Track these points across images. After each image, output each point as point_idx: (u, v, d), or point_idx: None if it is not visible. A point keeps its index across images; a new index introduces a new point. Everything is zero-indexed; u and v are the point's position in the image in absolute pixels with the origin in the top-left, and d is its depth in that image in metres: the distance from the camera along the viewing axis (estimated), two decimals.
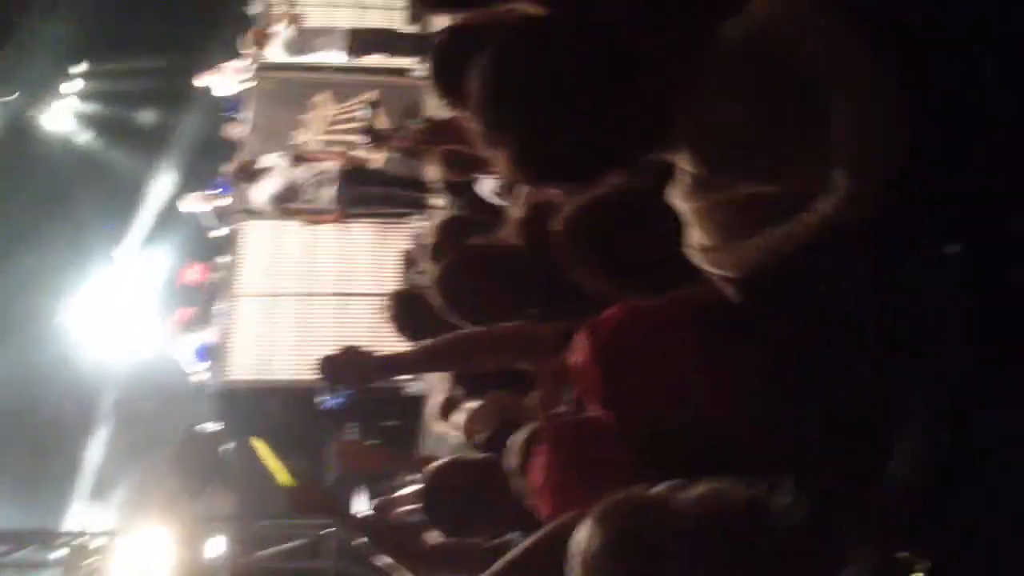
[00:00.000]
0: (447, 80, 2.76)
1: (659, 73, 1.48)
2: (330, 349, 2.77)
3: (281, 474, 4.33)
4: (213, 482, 7.97)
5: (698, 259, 1.63)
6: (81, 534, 7.66)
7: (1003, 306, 1.47)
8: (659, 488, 1.67)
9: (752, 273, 1.55)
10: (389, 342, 6.56)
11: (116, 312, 9.12)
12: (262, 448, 5.00)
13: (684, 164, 1.57)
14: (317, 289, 8.11)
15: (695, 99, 1.49)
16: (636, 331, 1.92)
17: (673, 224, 1.73)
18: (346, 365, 2.80)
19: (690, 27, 1.52)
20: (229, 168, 8.12)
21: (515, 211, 3.14)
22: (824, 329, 1.59)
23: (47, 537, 7.81)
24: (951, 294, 1.47)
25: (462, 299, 2.90)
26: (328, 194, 7.49)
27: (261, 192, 7.60)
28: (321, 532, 6.85)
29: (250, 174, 7.69)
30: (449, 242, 3.70)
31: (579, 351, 1.92)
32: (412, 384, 6.72)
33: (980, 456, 1.46)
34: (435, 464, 3.18)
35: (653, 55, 1.48)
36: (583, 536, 1.60)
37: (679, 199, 1.62)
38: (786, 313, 1.63)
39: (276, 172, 7.57)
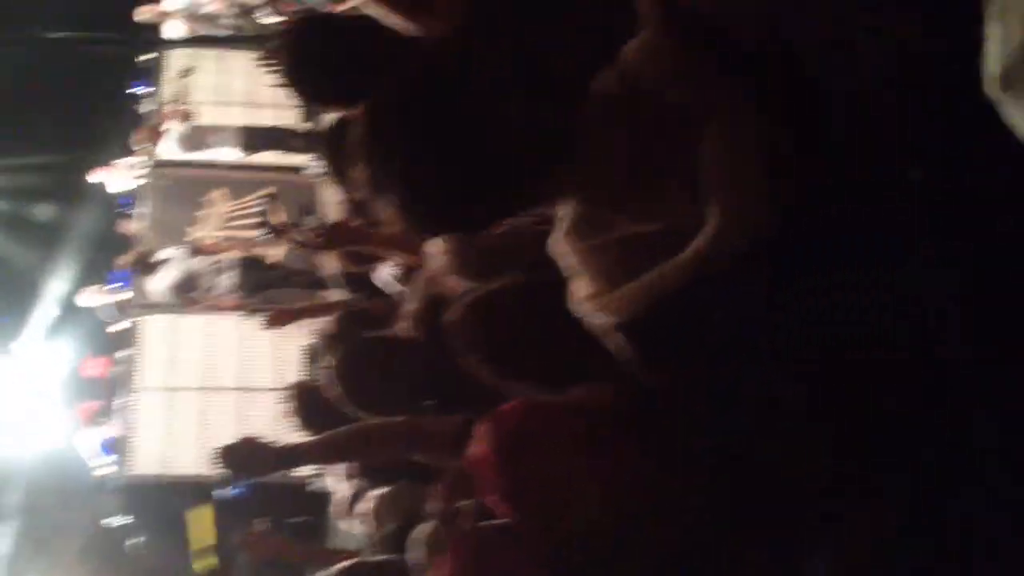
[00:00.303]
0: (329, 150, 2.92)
1: (535, 124, 1.46)
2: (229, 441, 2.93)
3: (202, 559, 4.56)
4: (120, 572, 8.10)
5: (583, 309, 1.60)
6: None
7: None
8: None
9: (635, 316, 1.50)
10: (291, 436, 6.86)
11: (15, 406, 9.17)
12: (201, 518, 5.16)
13: (565, 209, 1.57)
14: (218, 382, 8.33)
15: (572, 146, 1.49)
16: (536, 425, 1.87)
17: (570, 319, 1.70)
18: (244, 455, 2.91)
19: (567, 82, 1.51)
20: (126, 260, 8.26)
21: (411, 303, 3.17)
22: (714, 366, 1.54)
23: None
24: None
25: (359, 389, 2.94)
26: (227, 282, 7.72)
27: (159, 283, 7.75)
28: None
29: (147, 266, 7.85)
30: (347, 334, 3.74)
31: (479, 442, 1.88)
32: (316, 479, 6.92)
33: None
34: (339, 567, 3.27)
35: (529, 107, 1.46)
36: None
37: (560, 245, 1.59)
38: (672, 356, 1.58)
39: (173, 263, 7.78)
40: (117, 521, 8.27)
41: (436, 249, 2.66)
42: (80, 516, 8.48)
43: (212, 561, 3.94)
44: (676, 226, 1.44)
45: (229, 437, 7.55)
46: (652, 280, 1.45)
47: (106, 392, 8.69)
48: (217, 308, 7.92)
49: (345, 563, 3.32)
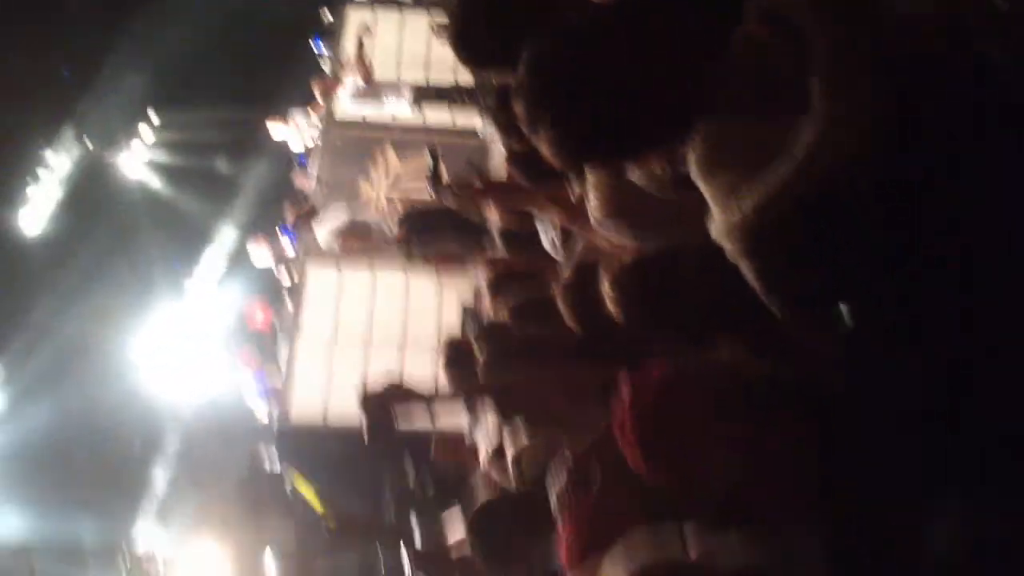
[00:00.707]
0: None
1: (687, 63, 1.55)
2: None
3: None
4: (275, 518, 8.26)
5: (714, 231, 1.64)
6: (141, 547, 8.02)
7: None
8: (697, 553, 1.76)
9: (757, 233, 1.53)
10: (444, 388, 6.82)
11: (184, 350, 9.49)
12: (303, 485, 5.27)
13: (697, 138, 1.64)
14: (378, 334, 8.43)
15: (709, 86, 1.55)
16: (675, 393, 1.93)
17: (715, 279, 1.74)
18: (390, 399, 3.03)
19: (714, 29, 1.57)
20: (295, 211, 8.47)
21: (566, 268, 3.31)
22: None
23: (114, 553, 8.18)
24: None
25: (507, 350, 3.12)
26: (391, 230, 7.83)
27: (325, 230, 7.96)
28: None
29: (315, 214, 8.06)
30: (502, 291, 3.91)
31: (620, 406, 1.95)
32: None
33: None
34: (484, 501, 3.38)
35: (683, 46, 1.55)
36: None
37: (697, 176, 1.65)
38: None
39: (340, 212, 7.94)
40: (273, 464, 8.44)
41: (593, 202, 2.76)
42: (238, 460, 8.69)
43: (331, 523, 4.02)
44: (784, 141, 1.46)
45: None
46: (769, 179, 1.48)
47: (270, 341, 8.90)
48: (379, 255, 8.04)
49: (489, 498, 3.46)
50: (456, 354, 3.83)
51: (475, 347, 3.43)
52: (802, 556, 1.75)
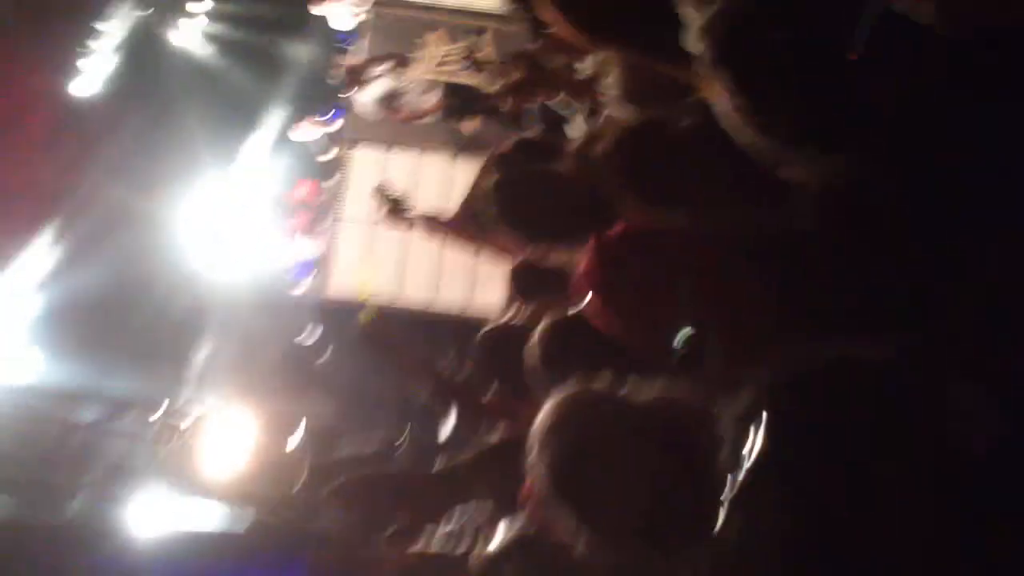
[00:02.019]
0: None
1: None
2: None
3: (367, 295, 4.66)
4: (307, 386, 8.55)
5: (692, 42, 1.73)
6: (176, 409, 8.38)
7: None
8: (616, 384, 1.78)
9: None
10: (484, 267, 6.95)
11: (229, 222, 9.68)
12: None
13: None
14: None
15: None
16: (641, 245, 2.02)
17: (706, 153, 1.86)
18: None
19: None
20: (340, 76, 8.52)
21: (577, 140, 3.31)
22: None
23: (146, 408, 8.55)
24: None
25: (511, 210, 3.09)
26: (431, 99, 7.96)
27: (367, 96, 8.08)
28: (398, 443, 7.41)
29: (359, 81, 8.14)
30: (515, 159, 3.84)
31: (584, 258, 2.04)
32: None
33: None
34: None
35: None
36: (540, 418, 1.73)
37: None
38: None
39: (383, 80, 8.05)
40: (311, 338, 8.68)
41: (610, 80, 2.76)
42: (276, 331, 8.94)
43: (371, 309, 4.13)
44: None
45: (426, 270, 7.74)
46: None
47: (312, 216, 9.07)
48: (419, 117, 8.15)
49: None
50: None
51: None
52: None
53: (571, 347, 2.63)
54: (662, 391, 1.72)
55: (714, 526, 1.38)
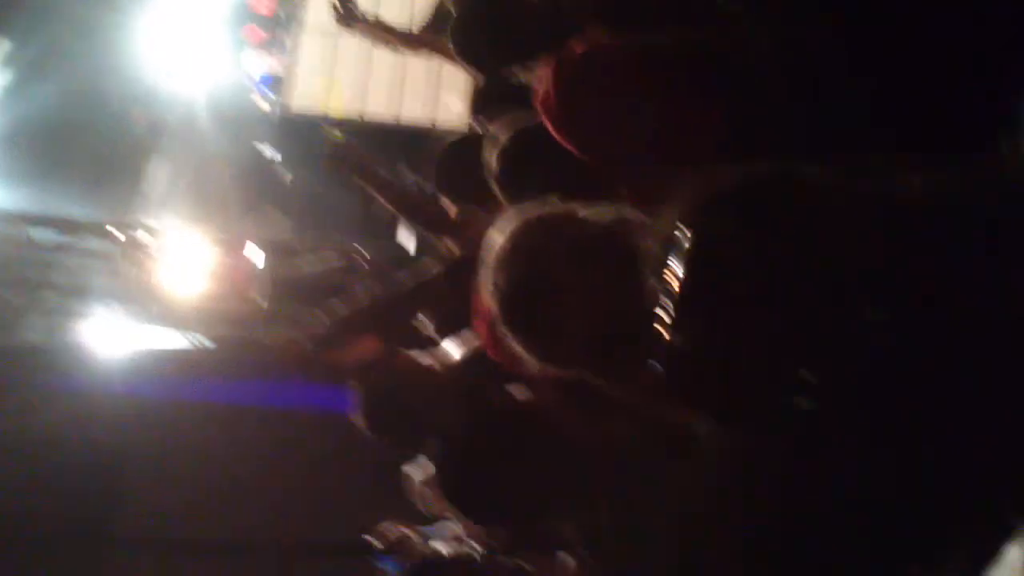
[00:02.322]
0: None
1: None
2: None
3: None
4: (268, 203, 8.43)
5: None
6: (135, 228, 8.25)
7: None
8: (576, 205, 1.73)
9: None
10: (448, 87, 6.79)
11: (184, 34, 9.34)
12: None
13: None
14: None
15: None
16: (601, 63, 1.96)
17: None
18: None
19: None
20: None
21: None
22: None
23: (104, 228, 8.42)
24: None
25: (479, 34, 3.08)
26: None
27: None
28: (360, 255, 7.34)
29: None
30: None
31: (542, 81, 1.99)
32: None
33: None
34: None
35: None
36: (494, 240, 1.69)
37: None
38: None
39: None
40: (270, 151, 8.51)
41: None
42: (237, 147, 8.75)
43: (336, 134, 4.03)
44: None
45: (389, 84, 7.50)
46: None
47: (273, 26, 8.76)
48: None
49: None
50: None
51: None
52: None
53: (531, 163, 2.56)
54: (617, 213, 1.67)
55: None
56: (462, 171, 3.29)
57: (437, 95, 7.64)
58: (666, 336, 1.08)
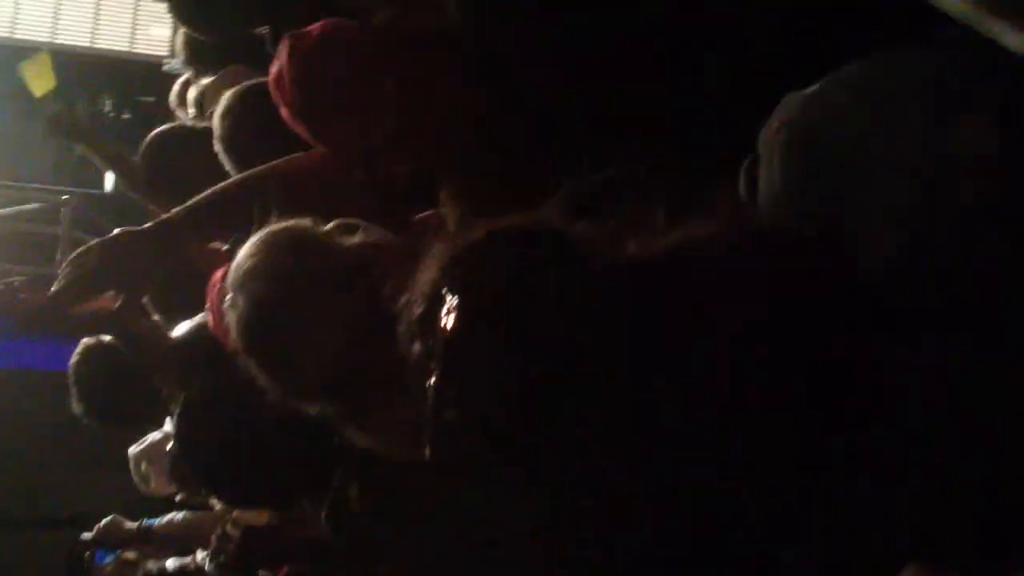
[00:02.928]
0: None
1: None
2: None
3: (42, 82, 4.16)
4: None
5: None
6: None
7: None
8: (328, 227, 1.65)
9: None
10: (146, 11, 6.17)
11: None
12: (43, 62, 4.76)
13: None
14: None
15: None
16: (337, 38, 1.84)
17: None
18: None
19: None
20: None
21: None
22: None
23: None
24: None
25: None
26: None
27: None
28: (62, 198, 6.78)
29: None
30: None
31: (277, 57, 1.85)
32: (173, 61, 6.50)
33: None
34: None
35: None
36: (243, 253, 1.60)
37: None
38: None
39: None
40: None
41: None
42: None
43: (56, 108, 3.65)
44: None
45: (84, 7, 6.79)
46: None
47: None
48: None
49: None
50: None
51: None
52: None
53: (260, 128, 2.32)
54: (364, 235, 1.61)
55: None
56: (169, 166, 3.02)
57: (135, 21, 7.01)
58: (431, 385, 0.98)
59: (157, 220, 2.10)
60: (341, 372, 1.53)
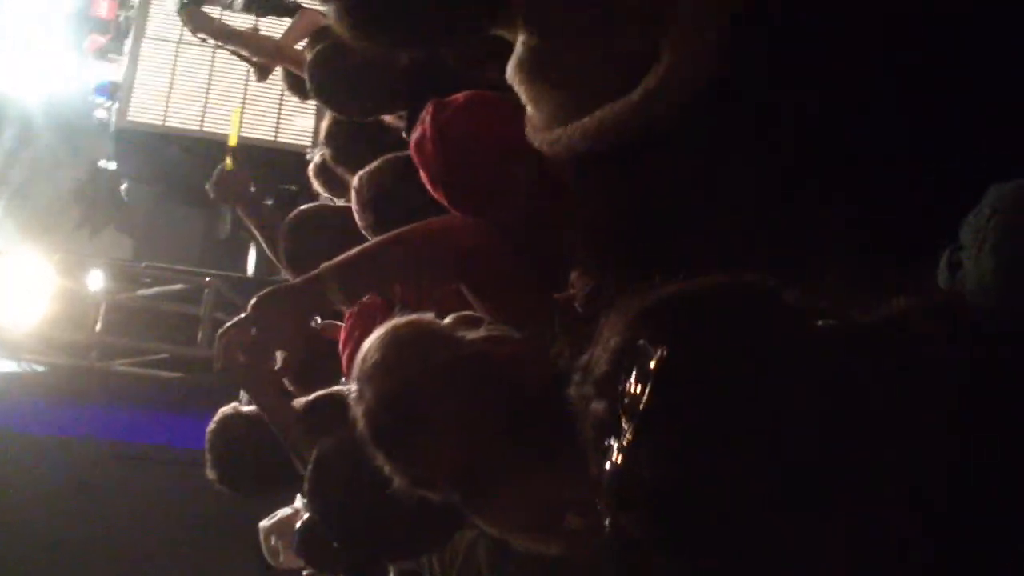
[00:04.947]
0: None
1: None
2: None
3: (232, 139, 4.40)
4: (108, 221, 7.97)
5: (536, 140, 1.53)
6: None
7: None
8: (448, 320, 1.68)
9: (585, 150, 1.42)
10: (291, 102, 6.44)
11: (22, 39, 8.80)
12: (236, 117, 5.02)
13: (520, 37, 1.49)
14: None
15: None
16: (483, 113, 1.86)
17: None
18: None
19: None
20: None
21: None
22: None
23: None
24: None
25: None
26: None
27: None
28: (205, 279, 7.00)
29: None
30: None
31: (422, 122, 1.87)
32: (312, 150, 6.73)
33: None
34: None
35: None
36: (366, 346, 1.61)
37: (517, 79, 1.52)
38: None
39: None
40: (111, 166, 8.04)
41: None
42: (76, 157, 8.25)
43: (228, 162, 3.82)
44: (629, 66, 1.34)
45: (234, 98, 7.16)
46: (604, 116, 1.35)
47: (113, 33, 8.28)
48: None
49: None
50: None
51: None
52: None
53: (399, 198, 2.41)
54: (489, 331, 1.62)
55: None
56: (309, 242, 3.08)
57: (280, 111, 7.29)
58: (617, 461, 0.90)
59: (306, 276, 2.11)
60: (466, 467, 1.52)
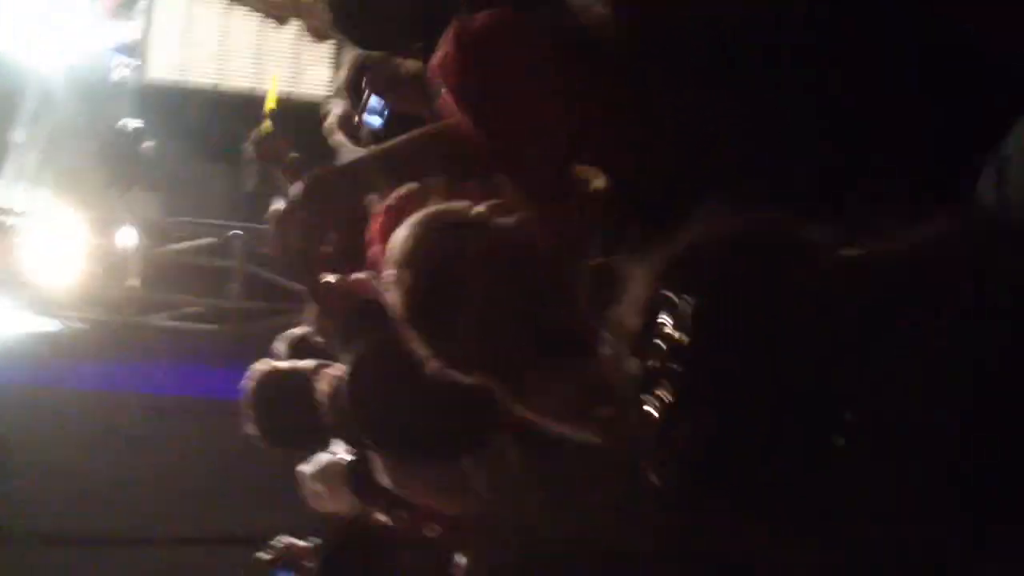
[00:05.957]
0: None
1: None
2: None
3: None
4: (135, 179, 8.06)
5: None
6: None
7: None
8: (481, 207, 1.68)
9: None
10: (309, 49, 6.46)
11: (37, 6, 8.81)
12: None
13: None
14: None
15: None
16: (504, 31, 1.77)
17: None
18: None
19: None
20: None
21: None
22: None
23: None
24: None
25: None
26: None
27: None
28: (230, 233, 7.11)
29: None
30: None
31: (443, 43, 1.78)
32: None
33: None
34: None
35: None
36: (399, 236, 1.63)
37: None
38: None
39: None
40: (133, 123, 8.10)
41: None
42: (96, 117, 8.31)
43: (267, 124, 3.87)
44: None
45: (250, 54, 7.17)
46: None
47: None
48: None
49: None
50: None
51: None
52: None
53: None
54: (519, 213, 1.64)
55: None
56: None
57: (298, 65, 7.31)
58: (664, 398, 0.87)
59: (349, 160, 2.16)
60: (501, 349, 1.57)
